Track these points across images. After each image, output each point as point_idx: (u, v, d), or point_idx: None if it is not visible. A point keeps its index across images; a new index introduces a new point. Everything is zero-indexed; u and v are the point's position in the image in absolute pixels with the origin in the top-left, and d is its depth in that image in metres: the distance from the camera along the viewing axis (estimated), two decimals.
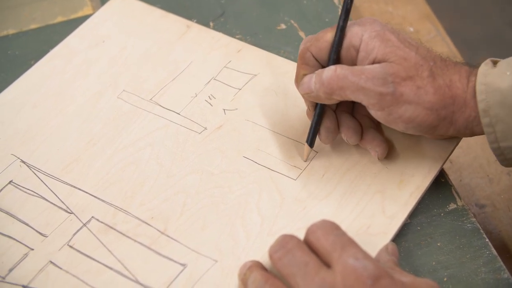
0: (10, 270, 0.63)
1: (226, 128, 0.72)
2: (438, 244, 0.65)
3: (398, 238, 0.65)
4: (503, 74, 0.62)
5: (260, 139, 0.71)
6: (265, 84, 0.76)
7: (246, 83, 0.76)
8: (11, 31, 0.85)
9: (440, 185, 0.69)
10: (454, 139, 0.69)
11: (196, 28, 0.82)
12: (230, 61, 0.78)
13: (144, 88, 0.77)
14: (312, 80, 0.64)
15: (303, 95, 0.66)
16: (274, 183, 0.68)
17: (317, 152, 0.70)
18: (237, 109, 0.74)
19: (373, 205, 0.65)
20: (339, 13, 0.65)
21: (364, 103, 0.63)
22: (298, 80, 0.66)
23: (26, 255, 0.64)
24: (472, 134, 0.65)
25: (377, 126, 0.69)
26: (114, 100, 0.76)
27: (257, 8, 0.86)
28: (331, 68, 0.63)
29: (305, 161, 0.69)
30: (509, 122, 0.61)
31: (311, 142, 0.68)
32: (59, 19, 0.86)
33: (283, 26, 0.84)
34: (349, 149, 0.69)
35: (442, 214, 0.67)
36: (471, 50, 1.56)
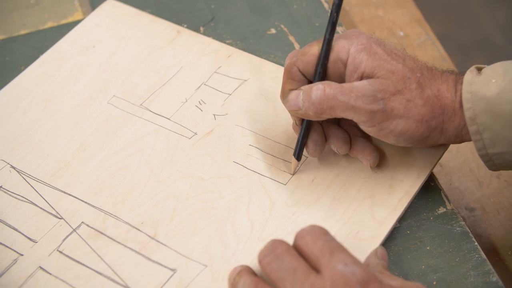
0: (0, 276, 0.63)
1: (216, 133, 0.73)
2: (428, 247, 0.65)
3: (388, 242, 0.65)
4: (489, 81, 0.62)
5: (250, 144, 0.71)
6: (255, 89, 0.76)
7: (236, 89, 0.76)
8: (1, 37, 0.85)
9: (430, 189, 0.69)
10: (443, 144, 0.69)
11: (186, 34, 0.82)
12: (220, 67, 0.78)
13: (134, 93, 0.77)
14: (300, 98, 0.63)
15: (290, 111, 0.65)
16: (264, 188, 0.68)
17: (306, 157, 0.70)
18: (227, 114, 0.74)
19: (362, 210, 0.66)
20: (328, 19, 0.65)
21: (355, 120, 0.63)
22: (284, 95, 0.65)
23: (15, 260, 0.64)
24: (462, 141, 0.65)
25: (365, 134, 0.69)
26: (104, 106, 0.76)
27: (247, 13, 0.86)
28: (320, 87, 0.62)
29: (292, 174, 0.69)
30: (496, 129, 0.62)
31: (298, 155, 0.67)
32: (49, 24, 0.86)
33: (273, 31, 0.84)
34: (338, 155, 0.70)
35: (431, 218, 0.67)
36: (462, 55, 1.56)
